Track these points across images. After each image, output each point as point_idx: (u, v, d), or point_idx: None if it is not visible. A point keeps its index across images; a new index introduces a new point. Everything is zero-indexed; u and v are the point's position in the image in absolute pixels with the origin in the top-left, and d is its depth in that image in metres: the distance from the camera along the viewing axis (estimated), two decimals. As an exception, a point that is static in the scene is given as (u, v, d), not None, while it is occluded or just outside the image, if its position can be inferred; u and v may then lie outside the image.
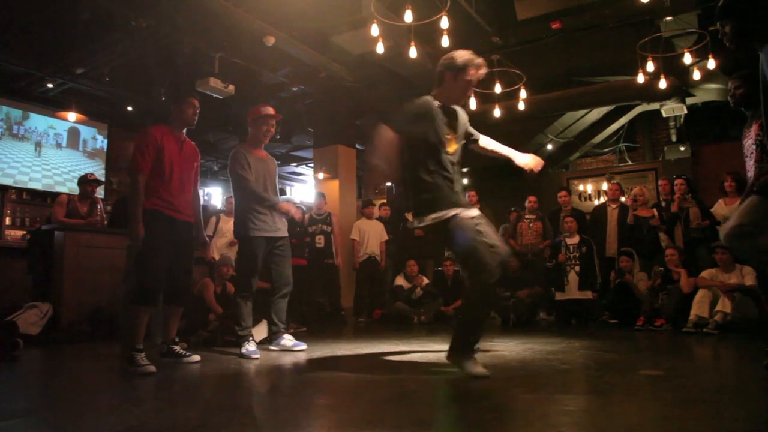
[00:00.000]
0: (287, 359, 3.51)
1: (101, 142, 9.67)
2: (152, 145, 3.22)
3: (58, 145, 9.21)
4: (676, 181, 5.99)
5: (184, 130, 3.44)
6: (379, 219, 7.66)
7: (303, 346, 3.87)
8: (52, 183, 8.96)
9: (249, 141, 3.99)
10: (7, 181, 8.43)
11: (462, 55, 2.87)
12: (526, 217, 6.90)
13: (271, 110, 3.96)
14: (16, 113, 8.67)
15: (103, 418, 2.09)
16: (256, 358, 3.52)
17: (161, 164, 3.23)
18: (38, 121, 8.91)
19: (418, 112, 2.82)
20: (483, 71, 2.89)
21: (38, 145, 8.93)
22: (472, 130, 3.10)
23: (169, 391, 2.73)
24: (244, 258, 3.88)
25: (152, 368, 2.97)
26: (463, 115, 3.01)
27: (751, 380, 2.77)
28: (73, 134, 9.39)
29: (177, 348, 3.40)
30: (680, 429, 1.78)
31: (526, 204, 6.93)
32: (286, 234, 3.97)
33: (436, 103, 2.86)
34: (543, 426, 1.82)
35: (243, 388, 2.78)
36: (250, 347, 3.63)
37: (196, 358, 3.38)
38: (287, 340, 3.89)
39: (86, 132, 9.54)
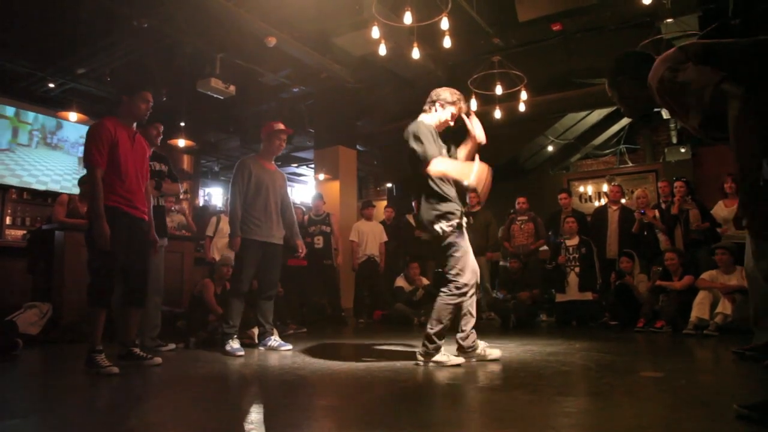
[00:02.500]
0: (287, 360, 3.51)
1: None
2: (107, 138, 3.05)
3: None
4: (676, 184, 5.98)
5: (135, 124, 3.31)
6: (383, 222, 7.67)
7: (288, 346, 3.99)
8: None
9: (261, 153, 4.24)
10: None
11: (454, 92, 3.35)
12: (518, 219, 6.92)
13: (282, 126, 4.22)
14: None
15: (103, 418, 2.09)
16: (241, 356, 3.67)
17: (116, 159, 3.07)
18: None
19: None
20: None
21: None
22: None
23: (169, 392, 2.73)
24: (238, 259, 4.03)
25: (115, 369, 2.91)
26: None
27: (751, 382, 2.77)
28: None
29: (136, 350, 3.29)
30: (680, 431, 1.78)
31: (516, 205, 6.96)
32: (280, 242, 4.14)
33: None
34: (543, 427, 1.82)
35: (242, 389, 2.78)
36: (234, 345, 3.81)
37: (158, 360, 3.28)
38: (273, 340, 4.04)
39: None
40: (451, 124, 3.38)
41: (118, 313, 3.39)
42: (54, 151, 8.99)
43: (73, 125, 8.97)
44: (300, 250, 4.27)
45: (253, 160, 4.12)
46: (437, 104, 3.30)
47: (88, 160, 3.04)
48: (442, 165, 3.04)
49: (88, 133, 3.12)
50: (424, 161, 3.03)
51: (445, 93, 3.31)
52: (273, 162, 4.30)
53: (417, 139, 3.08)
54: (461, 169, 3.00)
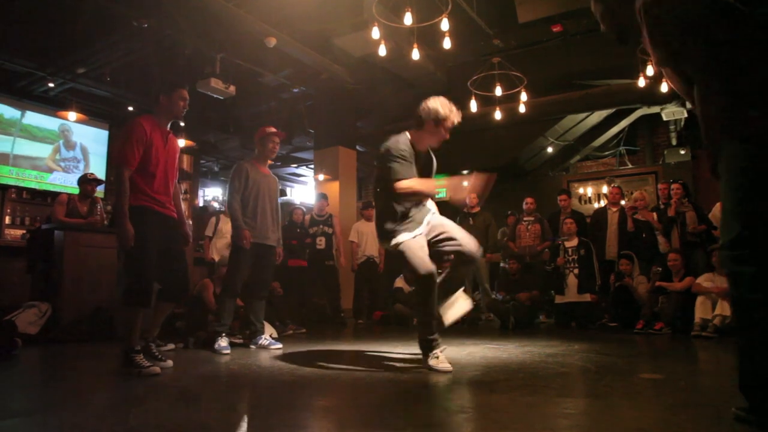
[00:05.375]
0: (286, 361, 3.51)
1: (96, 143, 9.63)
2: (143, 138, 3.05)
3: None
4: (673, 186, 6.01)
5: (169, 124, 3.30)
6: None
7: (279, 345, 4.07)
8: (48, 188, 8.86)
9: (256, 157, 4.32)
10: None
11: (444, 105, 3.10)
12: (525, 219, 6.90)
13: (274, 129, 4.32)
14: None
15: (102, 418, 2.09)
16: (227, 354, 3.78)
17: (149, 159, 3.07)
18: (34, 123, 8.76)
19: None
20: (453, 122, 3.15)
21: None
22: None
23: (168, 392, 2.72)
24: (232, 260, 4.12)
25: (157, 369, 2.92)
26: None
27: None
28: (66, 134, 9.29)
29: (153, 348, 3.22)
30: (679, 433, 1.78)
31: (524, 206, 6.93)
32: (274, 245, 4.24)
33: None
34: (542, 429, 1.82)
35: (242, 389, 2.78)
36: (222, 343, 3.91)
37: (169, 363, 3.19)
38: (264, 339, 4.12)
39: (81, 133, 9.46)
40: (447, 137, 3.14)
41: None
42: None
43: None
44: (278, 258, 4.31)
45: (250, 164, 4.20)
46: (427, 124, 3.07)
47: (120, 158, 3.02)
48: (408, 183, 2.99)
49: (125, 132, 3.11)
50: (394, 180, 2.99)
51: (436, 107, 3.04)
52: (267, 166, 4.38)
53: (389, 158, 3.01)
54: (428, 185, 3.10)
